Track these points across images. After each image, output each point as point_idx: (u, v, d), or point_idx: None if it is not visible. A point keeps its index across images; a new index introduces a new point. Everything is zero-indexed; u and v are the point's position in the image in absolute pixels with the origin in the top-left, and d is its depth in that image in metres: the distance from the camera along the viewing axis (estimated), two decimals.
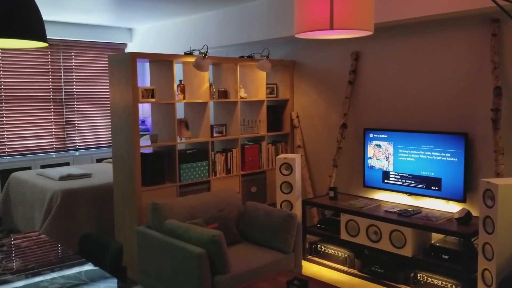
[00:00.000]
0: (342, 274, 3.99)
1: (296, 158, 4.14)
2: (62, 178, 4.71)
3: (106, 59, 6.70)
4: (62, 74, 6.28)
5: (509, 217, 2.89)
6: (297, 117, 5.01)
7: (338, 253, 4.14)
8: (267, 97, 4.83)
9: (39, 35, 1.70)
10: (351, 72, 4.43)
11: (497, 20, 3.45)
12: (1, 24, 1.59)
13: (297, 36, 2.41)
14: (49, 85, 6.17)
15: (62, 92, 6.28)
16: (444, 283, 3.42)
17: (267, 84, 4.86)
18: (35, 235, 2.82)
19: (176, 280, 3.20)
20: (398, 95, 4.15)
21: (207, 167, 4.28)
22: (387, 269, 3.75)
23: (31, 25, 1.67)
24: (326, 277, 3.92)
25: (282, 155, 4.23)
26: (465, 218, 3.46)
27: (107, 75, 6.71)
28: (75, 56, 6.40)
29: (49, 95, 6.18)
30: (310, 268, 4.12)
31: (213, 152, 4.34)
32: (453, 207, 3.80)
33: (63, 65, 6.29)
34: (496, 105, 3.44)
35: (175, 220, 3.46)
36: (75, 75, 6.40)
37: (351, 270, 4.01)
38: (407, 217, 3.66)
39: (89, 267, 2.26)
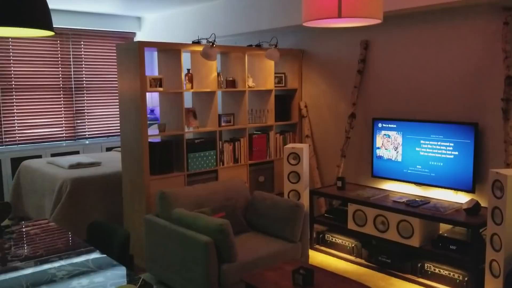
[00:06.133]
0: (349, 263, 4.00)
1: (304, 148, 4.13)
2: (72, 167, 4.76)
3: (115, 48, 6.71)
4: (72, 63, 6.31)
5: None
6: (306, 106, 4.98)
7: (345, 243, 4.14)
8: (275, 87, 4.81)
9: (45, 23, 1.71)
10: (360, 61, 4.39)
11: (509, 9, 3.38)
12: (7, 13, 1.60)
13: (305, 24, 2.39)
14: (58, 74, 6.20)
15: (71, 81, 6.32)
16: (452, 274, 3.41)
17: (275, 73, 4.84)
18: (44, 223, 2.85)
19: (184, 268, 3.23)
20: (407, 85, 4.11)
21: (215, 157, 4.29)
22: (394, 259, 3.74)
23: (36, 13, 1.67)
24: (333, 267, 3.92)
25: (290, 145, 4.22)
26: (473, 208, 3.43)
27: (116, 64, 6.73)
28: (84, 45, 6.42)
29: (59, 84, 6.21)
30: (317, 258, 4.14)
31: (221, 142, 4.35)
32: (462, 198, 3.77)
33: (73, 54, 6.31)
34: (507, 95, 3.39)
35: (183, 209, 3.48)
36: (85, 64, 6.43)
37: (358, 260, 4.01)
38: (415, 207, 3.64)
39: (97, 255, 2.29)
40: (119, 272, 2.07)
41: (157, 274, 3.55)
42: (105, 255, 2.27)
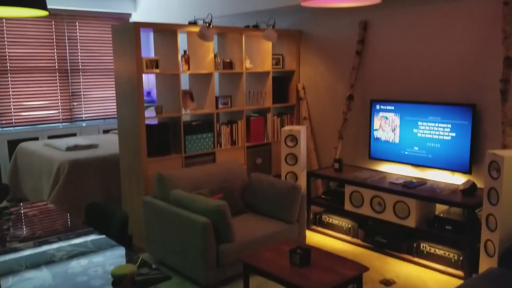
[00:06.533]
0: (345, 243, 4.04)
1: (302, 130, 4.13)
2: (69, 149, 4.75)
3: (110, 29, 6.63)
4: (67, 44, 6.24)
5: None
6: (303, 88, 4.96)
7: (342, 223, 4.17)
8: (273, 68, 4.78)
9: (38, 2, 1.68)
10: (358, 42, 4.36)
11: None
12: None
13: (303, 4, 2.36)
14: (54, 56, 6.14)
15: (67, 63, 6.26)
16: (447, 253, 3.45)
17: (273, 54, 4.80)
18: (42, 205, 2.86)
19: (182, 248, 3.26)
20: (406, 66, 4.09)
21: (212, 139, 4.29)
22: (390, 239, 3.78)
23: None
24: (330, 247, 3.96)
25: (287, 127, 4.22)
26: (470, 189, 3.46)
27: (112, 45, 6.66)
28: (79, 26, 6.34)
29: (54, 66, 6.16)
30: (314, 238, 4.17)
31: (218, 124, 4.34)
32: (459, 179, 3.79)
33: (68, 36, 6.24)
34: (506, 76, 3.38)
35: (181, 190, 3.49)
36: (80, 46, 6.36)
37: (355, 240, 4.05)
38: (411, 188, 3.66)
39: (95, 235, 2.30)
40: (118, 252, 2.08)
41: (156, 254, 3.58)
42: (104, 236, 2.29)
